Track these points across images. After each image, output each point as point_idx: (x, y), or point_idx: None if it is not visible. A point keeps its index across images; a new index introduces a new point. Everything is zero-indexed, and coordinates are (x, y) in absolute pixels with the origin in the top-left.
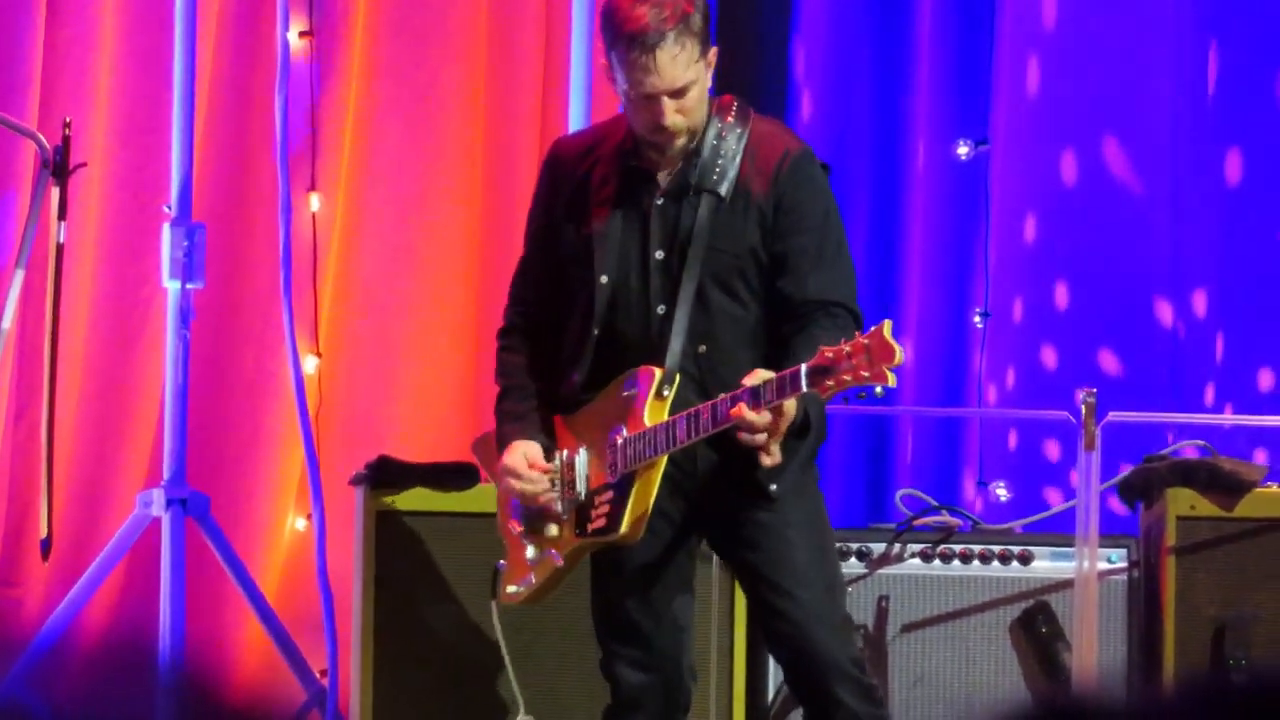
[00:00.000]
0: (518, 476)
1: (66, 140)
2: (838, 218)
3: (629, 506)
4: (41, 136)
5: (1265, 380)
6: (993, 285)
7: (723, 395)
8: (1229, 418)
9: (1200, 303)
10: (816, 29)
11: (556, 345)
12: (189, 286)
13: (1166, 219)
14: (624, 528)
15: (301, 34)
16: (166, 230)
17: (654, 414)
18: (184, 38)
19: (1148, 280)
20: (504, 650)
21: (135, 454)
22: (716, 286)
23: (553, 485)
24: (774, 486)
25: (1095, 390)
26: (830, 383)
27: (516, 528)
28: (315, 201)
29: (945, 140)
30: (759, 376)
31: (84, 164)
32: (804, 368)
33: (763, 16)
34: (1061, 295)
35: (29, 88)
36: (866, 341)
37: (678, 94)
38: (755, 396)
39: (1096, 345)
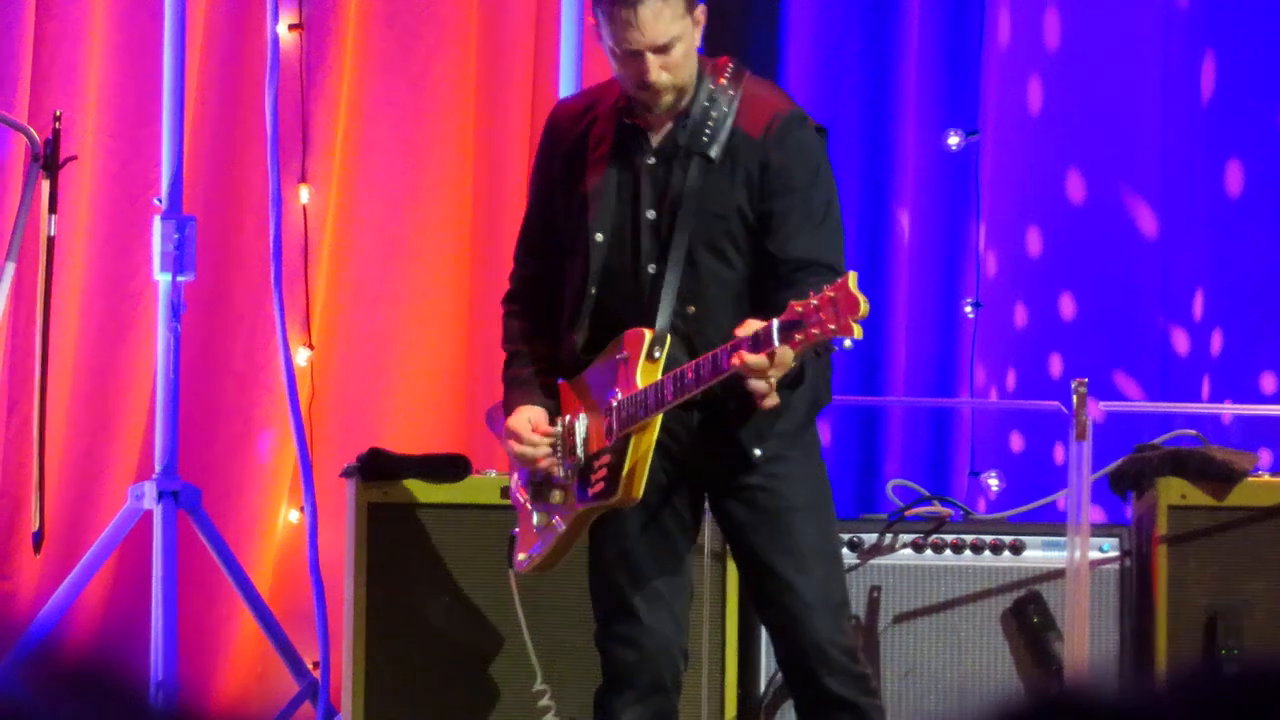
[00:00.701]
0: (519, 440)
1: (57, 133)
2: (829, 180)
3: (624, 469)
4: (32, 130)
5: (1268, 383)
6: (984, 281)
7: (702, 356)
8: (1219, 407)
9: (1198, 306)
10: (805, 21)
11: (559, 307)
12: (180, 279)
13: (1161, 219)
14: (619, 491)
15: (291, 27)
16: (157, 223)
17: (646, 375)
18: (173, 30)
19: (1143, 283)
20: (520, 616)
21: (127, 447)
22: (705, 248)
23: (554, 450)
24: (756, 451)
25: (1086, 380)
26: (799, 336)
27: (523, 494)
28: (305, 194)
29: (935, 130)
30: (749, 328)
31: (74, 157)
32: (775, 322)
33: (751, 7)
34: (1057, 297)
35: (19, 81)
36: (832, 294)
37: (661, 50)
38: (728, 354)
39: (1090, 343)
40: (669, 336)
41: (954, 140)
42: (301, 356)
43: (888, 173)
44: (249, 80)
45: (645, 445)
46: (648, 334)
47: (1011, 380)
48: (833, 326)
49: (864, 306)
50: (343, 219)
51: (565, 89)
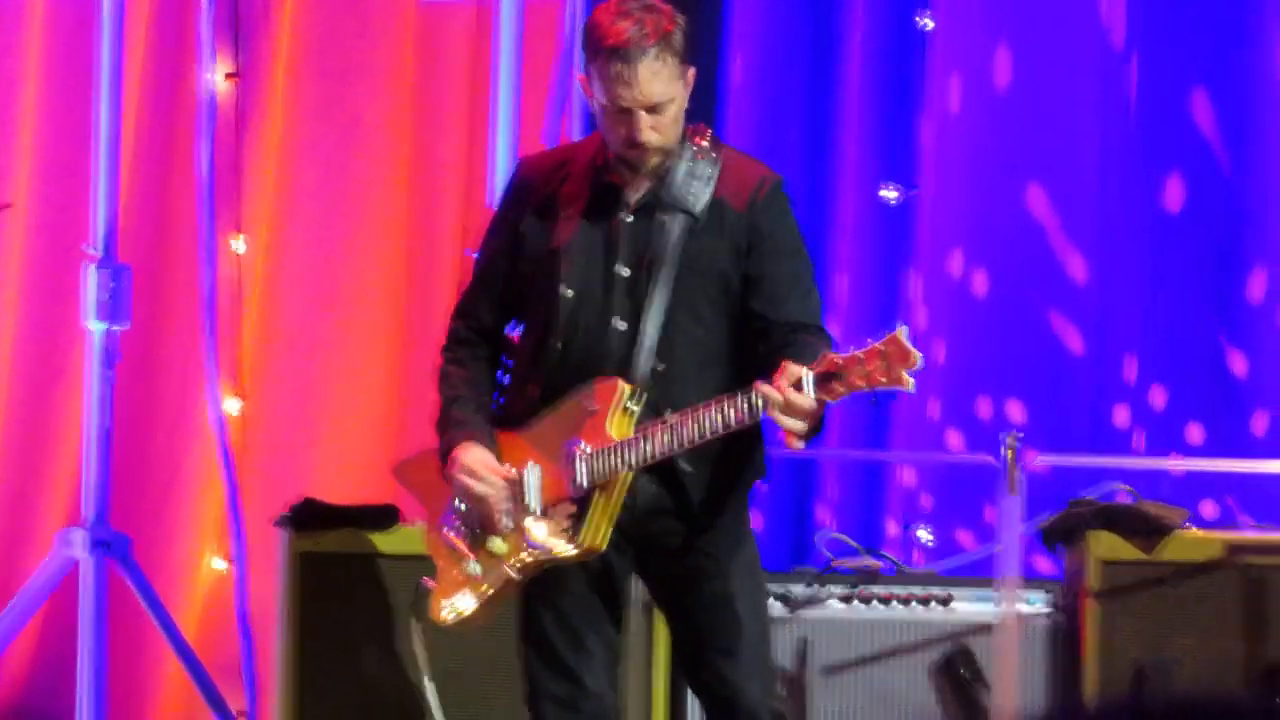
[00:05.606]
0: (476, 477)
1: None
2: (805, 247)
3: (589, 521)
4: None
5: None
6: (921, 328)
7: (701, 406)
8: (1152, 461)
9: (1131, 366)
10: (746, 74)
11: (508, 359)
12: (114, 328)
13: (1094, 264)
14: (585, 541)
15: (227, 75)
16: (91, 271)
17: (620, 428)
18: (108, 79)
19: (1073, 323)
20: (426, 673)
21: (57, 494)
22: (682, 306)
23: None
24: (699, 505)
25: (1019, 434)
26: (840, 387)
27: (456, 541)
28: (241, 243)
29: (872, 184)
30: (791, 374)
31: (8, 205)
32: (809, 373)
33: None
34: (989, 342)
35: None
36: (882, 347)
37: (654, 109)
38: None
39: (1020, 392)
40: (645, 391)
41: (892, 194)
42: (233, 406)
43: (825, 226)
44: (183, 129)
45: (614, 499)
46: (625, 387)
47: (938, 421)
48: (883, 379)
49: (918, 358)
50: (275, 268)
51: (502, 139)
